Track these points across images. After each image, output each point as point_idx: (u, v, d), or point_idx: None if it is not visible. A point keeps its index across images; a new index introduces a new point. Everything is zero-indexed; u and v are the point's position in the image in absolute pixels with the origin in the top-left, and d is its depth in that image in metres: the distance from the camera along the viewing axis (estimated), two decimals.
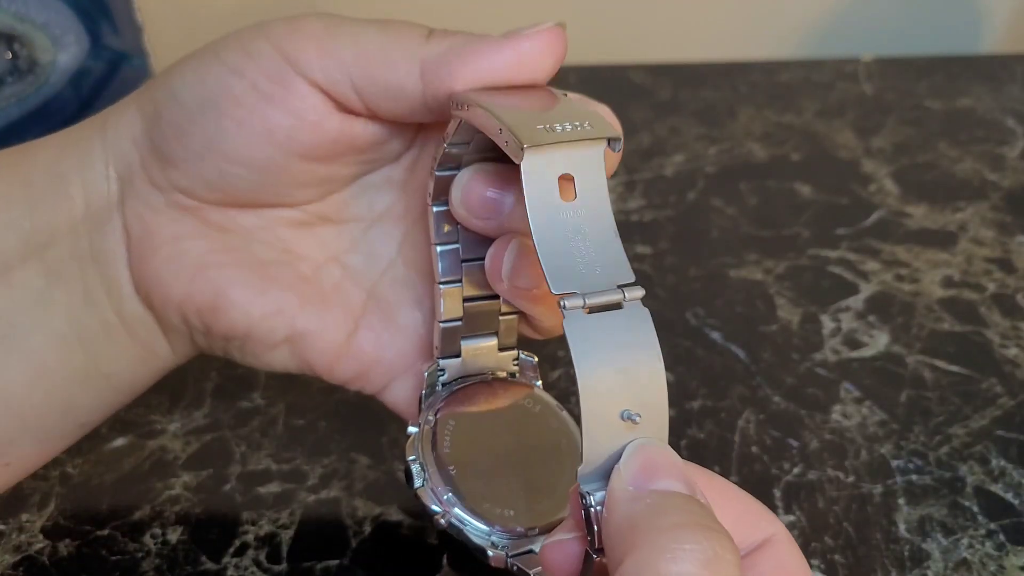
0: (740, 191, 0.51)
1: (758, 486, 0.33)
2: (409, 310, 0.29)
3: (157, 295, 0.27)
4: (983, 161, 0.54)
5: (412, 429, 0.27)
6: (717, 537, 0.17)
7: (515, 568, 0.24)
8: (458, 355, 0.28)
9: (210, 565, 0.31)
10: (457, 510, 0.25)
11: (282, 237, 0.28)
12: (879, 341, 0.40)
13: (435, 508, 0.25)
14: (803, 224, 0.48)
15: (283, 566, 0.31)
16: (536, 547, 0.24)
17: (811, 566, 0.30)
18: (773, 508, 0.32)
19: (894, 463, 0.34)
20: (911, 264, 0.45)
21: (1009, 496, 0.33)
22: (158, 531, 0.32)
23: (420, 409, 0.28)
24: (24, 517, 0.32)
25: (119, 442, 0.35)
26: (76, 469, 0.34)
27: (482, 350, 0.28)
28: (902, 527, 0.32)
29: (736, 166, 0.54)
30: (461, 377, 0.28)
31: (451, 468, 0.26)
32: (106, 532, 0.32)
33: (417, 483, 0.25)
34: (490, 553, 0.24)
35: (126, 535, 0.32)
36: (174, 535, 0.32)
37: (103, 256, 0.27)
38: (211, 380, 0.38)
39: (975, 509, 0.32)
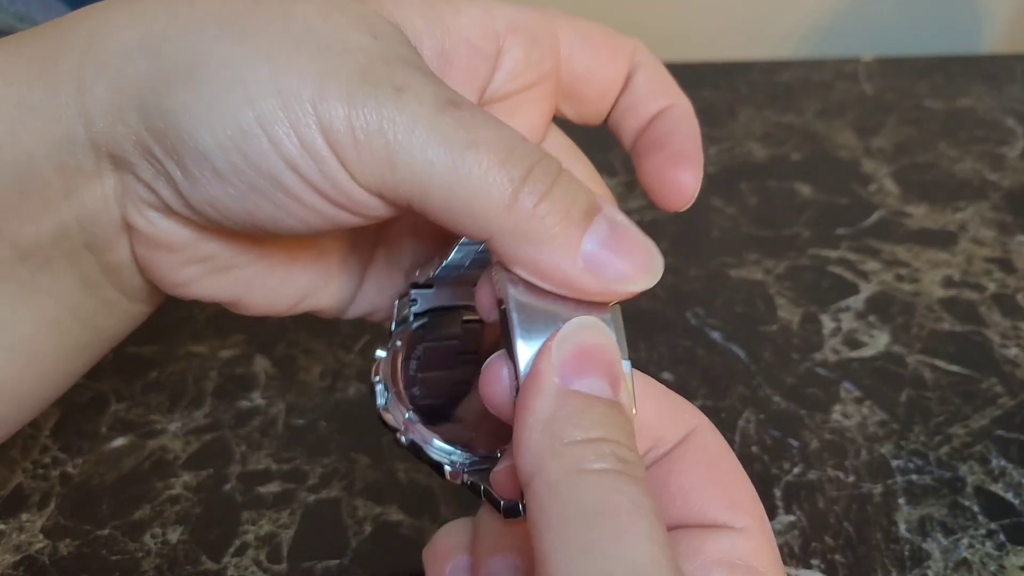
0: (740, 191, 0.51)
1: (758, 486, 0.33)
2: (412, 248, 0.28)
3: (172, 290, 0.25)
4: (983, 161, 0.54)
5: (380, 353, 0.26)
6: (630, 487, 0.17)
7: (470, 483, 0.24)
8: (431, 287, 0.27)
9: (210, 565, 0.31)
10: (419, 427, 0.25)
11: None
12: (879, 341, 0.40)
13: (396, 425, 0.25)
14: (803, 224, 0.48)
15: (283, 566, 0.31)
16: (494, 466, 0.24)
17: (811, 566, 0.30)
18: (773, 508, 0.32)
19: (894, 463, 0.34)
20: (911, 264, 0.45)
21: (1009, 496, 0.33)
22: (158, 531, 0.32)
23: (390, 335, 0.27)
24: (24, 517, 0.32)
25: (119, 442, 0.35)
26: (76, 469, 0.34)
27: (455, 286, 0.28)
28: (902, 527, 0.32)
29: (736, 166, 0.54)
30: (432, 309, 0.27)
31: (415, 389, 0.26)
32: (106, 532, 0.32)
33: (380, 401, 0.25)
34: (447, 468, 0.24)
35: (126, 535, 0.32)
36: (174, 535, 0.32)
37: (98, 245, 0.24)
38: (211, 380, 0.38)
39: (975, 509, 0.32)
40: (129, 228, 0.23)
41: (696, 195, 0.26)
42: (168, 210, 0.22)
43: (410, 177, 0.20)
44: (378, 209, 0.21)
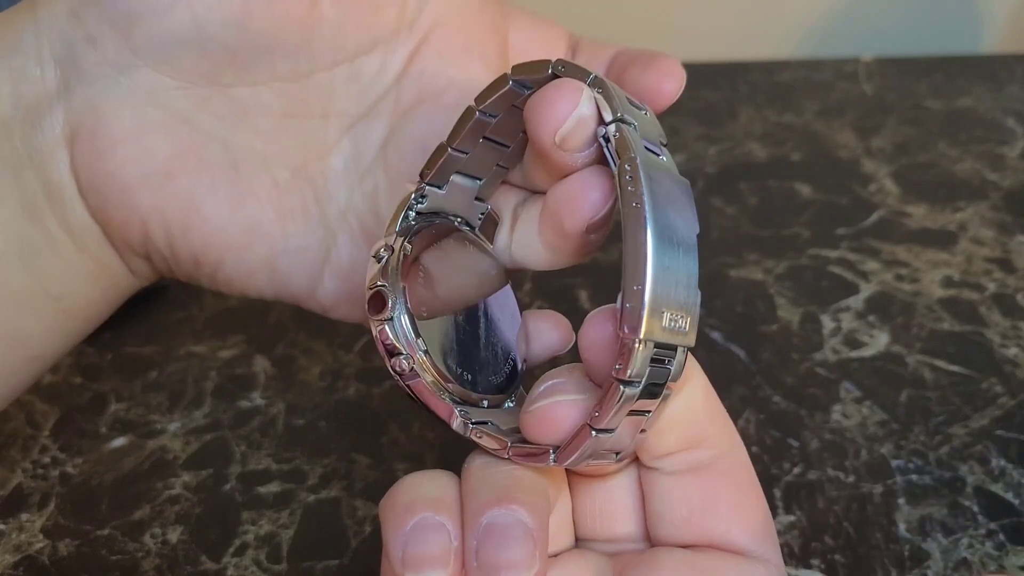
0: (740, 191, 0.51)
1: None
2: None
3: (117, 205, 0.23)
4: (983, 161, 0.54)
5: (381, 249, 0.22)
6: None
7: (475, 436, 0.21)
8: (442, 187, 0.24)
9: (210, 565, 0.31)
10: (420, 356, 0.21)
11: (259, 129, 0.24)
12: (879, 341, 0.40)
13: (399, 346, 0.21)
14: (803, 224, 0.48)
15: (283, 566, 0.31)
16: (493, 419, 0.22)
17: (811, 566, 0.30)
18: (773, 508, 0.32)
19: (894, 463, 0.34)
20: (911, 264, 0.45)
21: (1009, 496, 0.33)
22: (158, 531, 0.32)
23: (391, 231, 0.23)
24: (24, 517, 0.32)
25: (119, 442, 0.35)
26: (76, 469, 0.34)
27: (464, 190, 0.24)
28: (902, 527, 0.32)
29: (736, 166, 0.54)
30: (432, 213, 0.24)
31: (423, 310, 0.22)
32: (106, 532, 0.32)
33: (390, 314, 0.21)
34: (457, 413, 0.21)
35: (126, 535, 0.32)
36: (174, 535, 0.32)
37: (40, 157, 0.23)
38: (211, 380, 0.38)
39: (975, 509, 0.32)
40: (69, 129, 0.23)
41: (683, 83, 0.26)
42: (112, 78, 0.23)
43: None
44: None
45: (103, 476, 0.34)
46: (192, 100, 0.23)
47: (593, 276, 0.44)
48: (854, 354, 0.39)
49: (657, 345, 0.18)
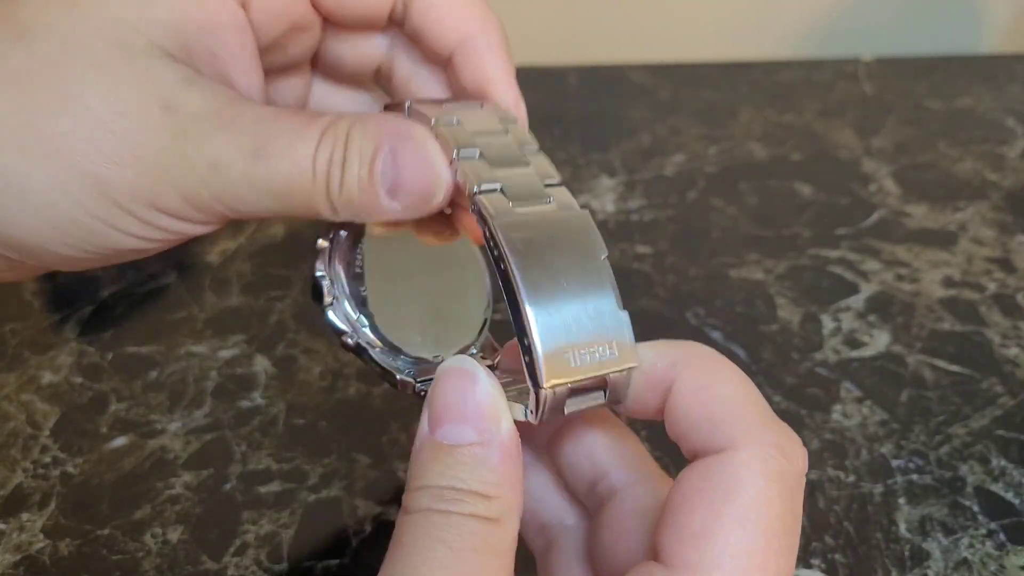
0: (740, 191, 0.51)
1: None
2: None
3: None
4: (983, 161, 0.54)
5: (322, 242, 0.25)
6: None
7: (422, 393, 0.23)
8: None
9: (211, 564, 0.31)
10: (366, 331, 0.24)
11: None
12: (879, 341, 0.40)
13: (342, 327, 0.24)
14: (803, 224, 0.48)
15: (283, 565, 0.31)
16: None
17: (811, 566, 0.30)
18: None
19: (894, 463, 0.34)
20: (911, 264, 0.45)
21: (1009, 496, 0.33)
22: (158, 530, 0.32)
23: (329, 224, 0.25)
24: (24, 517, 0.32)
25: (119, 442, 0.35)
26: (76, 469, 0.34)
27: None
28: (902, 527, 0.32)
29: (736, 166, 0.54)
30: None
31: (363, 289, 0.25)
32: (106, 531, 0.32)
33: (327, 300, 0.24)
34: (399, 377, 0.24)
35: (126, 534, 0.32)
36: (174, 534, 0.32)
37: None
38: (211, 380, 0.38)
39: (975, 509, 0.32)
40: None
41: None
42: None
43: (249, 213, 0.22)
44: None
45: (103, 476, 0.34)
46: None
47: None
48: (854, 354, 0.39)
49: (575, 383, 0.19)
